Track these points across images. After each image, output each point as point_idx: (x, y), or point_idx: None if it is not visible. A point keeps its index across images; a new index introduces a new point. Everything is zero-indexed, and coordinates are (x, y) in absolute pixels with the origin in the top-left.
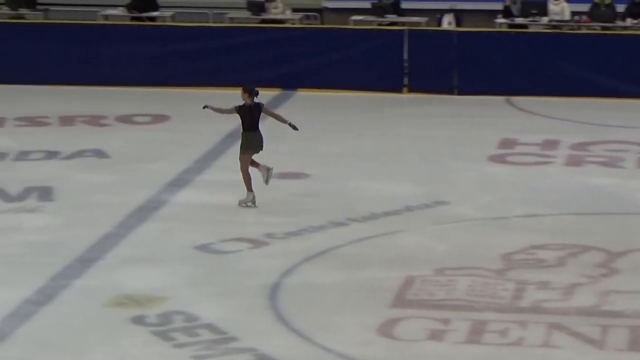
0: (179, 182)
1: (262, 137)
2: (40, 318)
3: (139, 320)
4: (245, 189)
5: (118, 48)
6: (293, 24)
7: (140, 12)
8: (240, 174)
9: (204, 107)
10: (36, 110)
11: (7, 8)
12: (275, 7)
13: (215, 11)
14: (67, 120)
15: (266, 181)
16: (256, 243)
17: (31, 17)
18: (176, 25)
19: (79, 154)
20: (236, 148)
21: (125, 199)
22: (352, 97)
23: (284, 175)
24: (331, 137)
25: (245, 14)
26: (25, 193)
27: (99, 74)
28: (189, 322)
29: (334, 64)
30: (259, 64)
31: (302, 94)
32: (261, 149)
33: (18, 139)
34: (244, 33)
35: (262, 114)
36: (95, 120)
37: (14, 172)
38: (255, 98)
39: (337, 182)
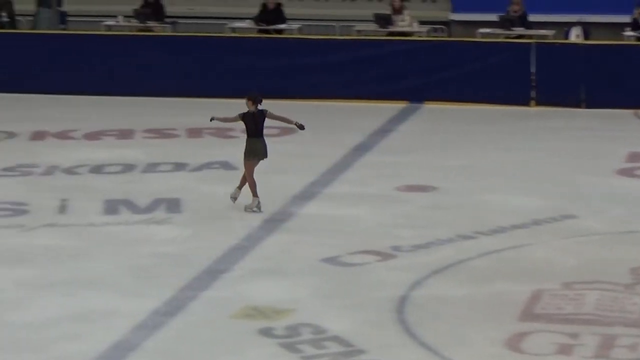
0: (306, 195)
1: (265, 145)
2: (168, 329)
3: (266, 332)
4: (251, 194)
5: (245, 60)
6: (420, 36)
7: (268, 24)
8: (247, 178)
9: (210, 120)
10: (164, 123)
11: (136, 21)
12: (403, 20)
13: (342, 24)
14: (194, 132)
15: (245, 208)
16: (384, 256)
17: (159, 29)
18: (303, 38)
19: (207, 165)
20: (363, 161)
21: (253, 210)
22: (479, 110)
23: (411, 188)
24: (458, 150)
25: (373, 26)
26: (154, 205)
27: (226, 87)
28: (317, 334)
29: (460, 77)
30: (386, 77)
31: (428, 106)
32: (265, 156)
33: (146, 150)
34: (371, 46)
35: (265, 120)
36: (222, 132)
37: (142, 184)
38: (259, 105)
39: (464, 195)
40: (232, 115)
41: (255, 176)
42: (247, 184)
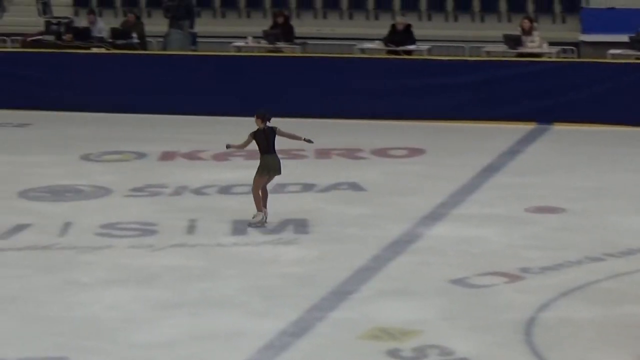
0: (434, 216)
1: (279, 161)
2: (296, 350)
3: (394, 354)
4: (256, 209)
5: (374, 81)
6: (550, 57)
7: (397, 45)
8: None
9: (227, 147)
10: (292, 143)
11: (266, 42)
12: (532, 41)
13: (472, 45)
14: (323, 153)
15: (249, 223)
16: (511, 277)
17: (288, 50)
18: (432, 59)
19: (335, 186)
20: (492, 182)
21: (380, 232)
22: (608, 131)
23: (540, 210)
24: (587, 171)
25: (502, 47)
26: (282, 225)
27: (355, 107)
28: (444, 356)
29: (590, 98)
30: (515, 98)
31: (557, 127)
32: (279, 172)
33: None
34: (500, 66)
35: (276, 136)
36: (350, 153)
37: (270, 204)
38: (268, 122)
39: (593, 216)
40: (244, 139)
41: (384, 196)
42: (259, 194)
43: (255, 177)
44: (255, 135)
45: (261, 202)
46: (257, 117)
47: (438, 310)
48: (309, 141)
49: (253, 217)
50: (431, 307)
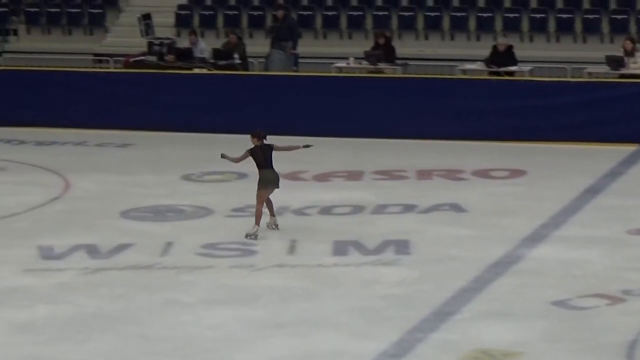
0: (536, 237)
1: (277, 175)
2: None
3: None
4: (254, 222)
5: (475, 102)
6: None
7: (499, 66)
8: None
9: (221, 156)
10: (394, 164)
11: (367, 63)
12: (635, 62)
13: (574, 66)
14: (424, 174)
15: (246, 235)
16: (613, 299)
17: (390, 71)
18: (534, 80)
19: (436, 207)
20: (593, 204)
21: (482, 253)
22: None
23: None
24: None
25: (604, 68)
26: (383, 246)
27: (456, 128)
28: None
29: None
30: (617, 119)
31: None
32: (277, 186)
33: (376, 192)
34: (602, 88)
35: (273, 153)
36: (452, 174)
37: (371, 225)
38: (264, 140)
39: None
40: (241, 153)
41: (485, 217)
42: (262, 209)
43: (258, 192)
44: (252, 152)
45: (261, 216)
46: (253, 137)
47: (539, 332)
48: (308, 146)
49: (253, 228)
50: (532, 329)
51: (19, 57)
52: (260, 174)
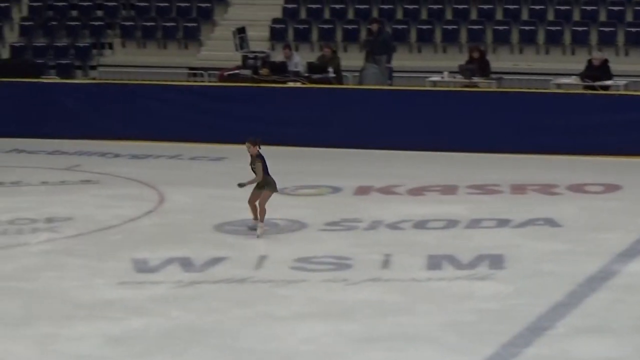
0: (631, 252)
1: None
2: None
3: None
4: (259, 220)
5: (570, 116)
6: None
7: (594, 81)
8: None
9: (239, 185)
10: (488, 178)
11: (461, 77)
12: None
13: None
14: (518, 189)
15: (257, 235)
16: None
17: (484, 85)
18: (629, 94)
19: (530, 222)
20: None
21: (576, 268)
22: None
23: None
24: None
25: None
26: (477, 261)
27: (550, 142)
28: None
29: None
30: None
31: None
32: (277, 190)
33: (470, 206)
34: None
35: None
36: (546, 189)
37: (465, 239)
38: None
39: None
40: (255, 170)
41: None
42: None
43: (265, 192)
44: (261, 159)
45: (264, 215)
46: (255, 144)
47: (635, 349)
48: (242, 185)
49: (257, 229)
50: (628, 345)
51: (114, 71)
52: (264, 179)
